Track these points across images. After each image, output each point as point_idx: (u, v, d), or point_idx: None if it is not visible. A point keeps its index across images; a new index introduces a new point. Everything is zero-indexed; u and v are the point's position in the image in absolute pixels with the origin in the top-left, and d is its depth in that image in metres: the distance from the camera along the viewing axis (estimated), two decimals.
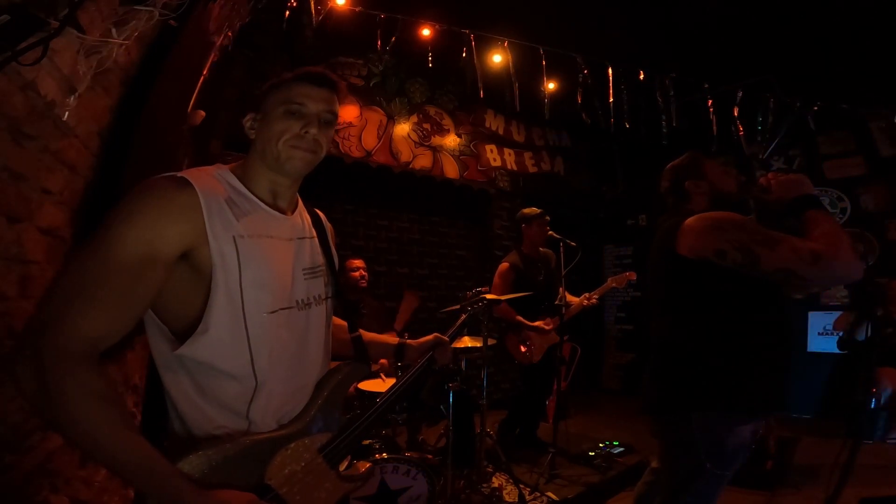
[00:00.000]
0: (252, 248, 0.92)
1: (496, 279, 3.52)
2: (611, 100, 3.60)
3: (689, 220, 1.45)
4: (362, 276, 3.45)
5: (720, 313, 1.42)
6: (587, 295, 3.52)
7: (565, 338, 3.45)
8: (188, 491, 0.79)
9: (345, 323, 1.26)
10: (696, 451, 1.39)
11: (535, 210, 3.59)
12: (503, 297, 3.00)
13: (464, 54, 3.31)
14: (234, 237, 0.90)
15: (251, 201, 0.98)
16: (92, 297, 0.78)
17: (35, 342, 0.74)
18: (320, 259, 1.13)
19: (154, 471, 0.78)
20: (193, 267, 0.88)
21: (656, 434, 1.59)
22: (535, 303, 3.42)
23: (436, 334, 1.36)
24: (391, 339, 1.38)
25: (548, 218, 3.55)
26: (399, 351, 1.35)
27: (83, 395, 0.74)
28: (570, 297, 3.50)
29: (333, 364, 1.14)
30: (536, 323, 3.45)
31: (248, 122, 1.04)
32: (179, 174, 0.90)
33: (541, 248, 3.66)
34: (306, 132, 0.99)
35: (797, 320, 5.00)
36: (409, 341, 1.36)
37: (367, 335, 1.29)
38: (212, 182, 0.94)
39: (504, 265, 3.55)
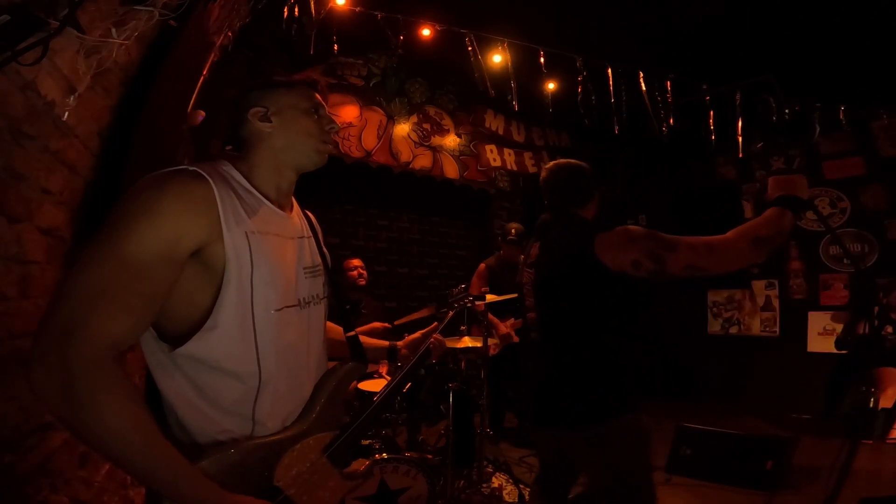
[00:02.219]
0: (263, 245, 0.92)
1: (473, 278, 3.82)
2: (612, 100, 3.60)
3: (607, 234, 1.52)
4: (360, 275, 3.46)
5: (622, 322, 1.56)
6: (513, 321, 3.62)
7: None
8: (216, 496, 0.79)
9: (337, 326, 1.26)
10: (634, 445, 1.52)
11: (513, 232, 3.68)
12: (489, 300, 3.03)
13: (469, 55, 3.31)
14: (246, 233, 0.90)
15: (256, 198, 0.98)
16: (115, 300, 0.76)
17: (60, 349, 0.71)
18: (318, 259, 1.13)
19: (180, 475, 0.77)
20: (204, 263, 0.86)
21: (573, 445, 1.59)
22: (503, 305, 3.51)
23: (422, 331, 1.37)
24: (382, 342, 1.39)
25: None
26: (391, 352, 1.36)
27: (116, 403, 0.73)
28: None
29: (331, 364, 1.14)
30: (503, 326, 3.61)
31: (258, 114, 1.01)
32: (191, 167, 0.89)
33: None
34: (331, 128, 1.07)
35: (797, 320, 5.00)
36: (399, 343, 1.38)
37: (361, 337, 1.29)
38: (222, 176, 0.93)
39: (481, 266, 3.86)
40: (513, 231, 3.68)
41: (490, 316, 3.57)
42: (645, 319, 5.21)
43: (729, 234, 1.38)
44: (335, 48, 3.15)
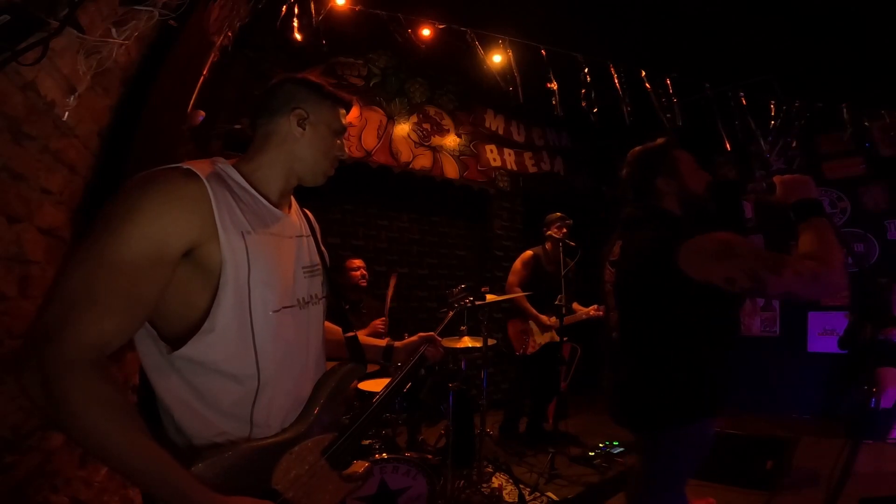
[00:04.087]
0: (260, 245, 0.91)
1: (517, 264, 3.74)
2: (615, 98, 3.59)
3: (696, 242, 1.39)
4: (363, 276, 3.46)
5: (705, 329, 1.49)
6: (596, 307, 3.60)
7: (564, 339, 3.49)
8: (203, 496, 0.78)
9: (336, 327, 1.25)
10: (692, 451, 1.51)
11: (557, 214, 3.78)
12: (499, 298, 3.03)
13: (471, 53, 3.30)
14: (242, 233, 0.88)
15: (254, 197, 0.96)
16: (97, 302, 0.75)
17: (40, 350, 0.71)
18: (317, 258, 1.12)
19: (167, 476, 0.76)
20: (198, 264, 0.85)
21: (640, 444, 1.60)
22: (545, 299, 3.55)
23: (420, 334, 1.37)
24: (379, 341, 1.38)
25: (569, 222, 3.69)
26: (387, 353, 1.35)
27: (91, 404, 0.72)
28: (577, 307, 3.61)
29: (329, 365, 1.14)
30: (542, 317, 3.60)
31: (299, 116, 1.01)
32: (184, 165, 0.87)
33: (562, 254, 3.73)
34: (341, 154, 1.09)
35: (797, 320, 5.00)
36: (396, 343, 1.37)
37: (360, 337, 1.29)
38: (216, 175, 0.91)
39: (528, 253, 3.79)
40: (560, 215, 3.69)
41: (530, 308, 3.59)
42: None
43: (821, 262, 1.29)
44: (334, 48, 3.14)
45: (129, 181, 0.84)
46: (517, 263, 3.74)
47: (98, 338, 0.75)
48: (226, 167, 0.96)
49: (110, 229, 0.78)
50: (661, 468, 1.54)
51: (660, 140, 1.64)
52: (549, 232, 3.75)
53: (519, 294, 3.39)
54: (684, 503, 1.57)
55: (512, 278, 3.66)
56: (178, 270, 0.84)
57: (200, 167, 0.89)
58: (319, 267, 1.12)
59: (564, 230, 3.63)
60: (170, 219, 0.81)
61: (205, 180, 0.86)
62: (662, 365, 1.51)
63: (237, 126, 3.05)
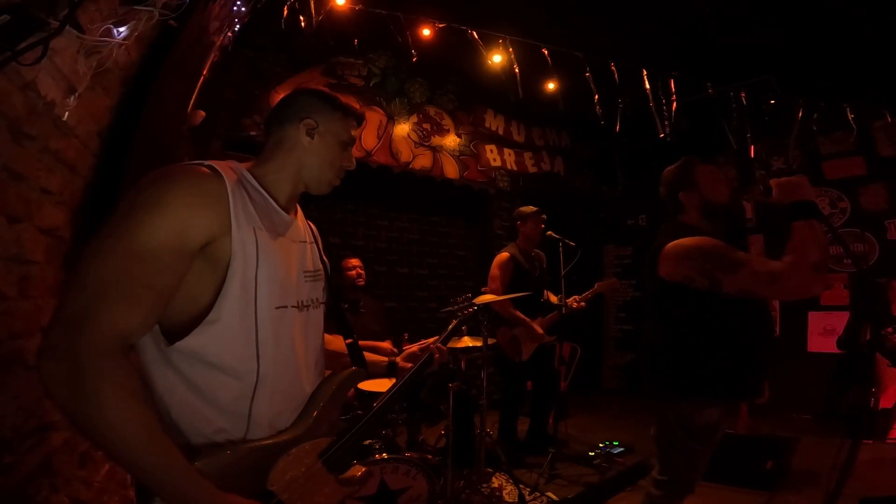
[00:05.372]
0: (269, 243, 0.94)
1: (495, 270, 3.46)
2: (616, 98, 3.59)
3: (668, 247, 1.59)
4: (359, 275, 3.45)
5: (690, 321, 1.62)
6: (576, 297, 3.48)
7: (553, 338, 3.46)
8: (206, 493, 0.79)
9: (337, 339, 1.26)
10: (673, 426, 1.63)
11: (531, 208, 3.58)
12: (501, 298, 3.01)
13: (471, 52, 3.29)
14: (254, 229, 0.91)
15: (266, 200, 1.00)
16: (125, 292, 0.76)
17: (70, 338, 0.72)
18: (319, 264, 1.15)
19: (175, 473, 0.77)
20: (209, 258, 0.87)
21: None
22: (528, 301, 3.37)
23: (419, 344, 1.38)
24: (382, 358, 1.39)
25: (544, 216, 3.54)
26: (391, 367, 1.36)
27: (120, 396, 0.73)
28: (553, 298, 3.51)
29: (328, 372, 1.14)
30: (534, 325, 3.41)
31: (308, 126, 1.04)
32: (206, 162, 0.90)
33: (534, 250, 3.65)
34: (349, 166, 1.12)
35: (797, 320, 5.00)
36: (397, 358, 1.37)
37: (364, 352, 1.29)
38: (235, 174, 0.94)
39: (504, 255, 3.50)
40: (535, 210, 3.51)
41: (520, 315, 3.38)
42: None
43: (785, 263, 1.38)
44: (334, 48, 3.14)
45: (152, 174, 0.86)
46: (494, 269, 3.43)
47: (126, 328, 0.77)
48: (241, 169, 1.00)
49: (136, 220, 0.80)
50: (661, 433, 1.69)
51: (682, 159, 1.78)
52: (525, 228, 3.53)
53: (515, 294, 3.25)
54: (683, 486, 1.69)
55: (493, 284, 3.39)
56: (192, 262, 0.86)
57: (221, 166, 0.92)
58: (321, 273, 1.14)
59: (542, 226, 3.50)
60: (193, 212, 0.84)
61: (224, 177, 0.89)
62: (655, 348, 1.71)
63: (252, 133, 3.09)
